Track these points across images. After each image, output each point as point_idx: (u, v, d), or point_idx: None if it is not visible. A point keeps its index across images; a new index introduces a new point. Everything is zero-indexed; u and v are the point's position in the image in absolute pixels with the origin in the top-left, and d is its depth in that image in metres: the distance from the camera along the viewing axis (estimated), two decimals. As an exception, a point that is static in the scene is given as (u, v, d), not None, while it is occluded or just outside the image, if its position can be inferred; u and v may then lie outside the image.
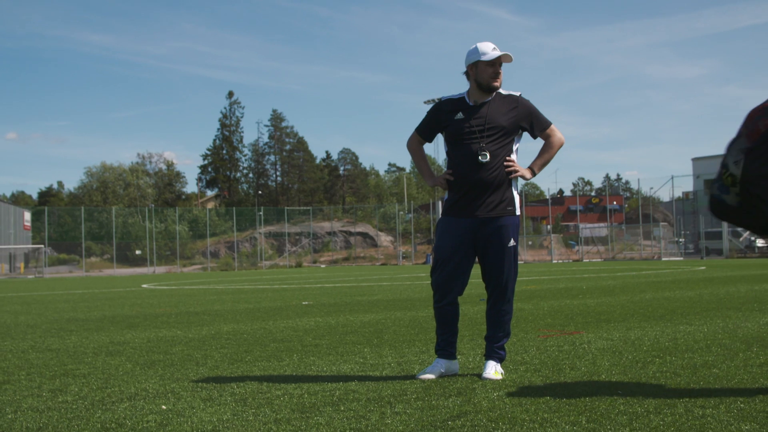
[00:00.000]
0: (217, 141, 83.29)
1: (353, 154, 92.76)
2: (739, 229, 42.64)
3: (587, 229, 54.42)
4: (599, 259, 45.60)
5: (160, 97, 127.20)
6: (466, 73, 4.46)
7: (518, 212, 4.46)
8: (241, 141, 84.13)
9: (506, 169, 4.37)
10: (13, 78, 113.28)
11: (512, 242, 4.39)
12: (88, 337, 7.21)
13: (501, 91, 4.44)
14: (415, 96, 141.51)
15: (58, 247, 53.87)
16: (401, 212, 61.43)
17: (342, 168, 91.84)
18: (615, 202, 70.32)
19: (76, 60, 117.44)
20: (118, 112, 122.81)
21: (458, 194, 4.40)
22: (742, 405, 3.36)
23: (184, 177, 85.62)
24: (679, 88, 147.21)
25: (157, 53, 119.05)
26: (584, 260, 45.42)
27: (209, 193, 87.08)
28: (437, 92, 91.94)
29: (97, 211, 59.13)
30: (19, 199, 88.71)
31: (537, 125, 4.47)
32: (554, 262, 44.93)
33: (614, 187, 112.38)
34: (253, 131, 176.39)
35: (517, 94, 4.48)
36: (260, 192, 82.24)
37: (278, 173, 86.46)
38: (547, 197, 64.69)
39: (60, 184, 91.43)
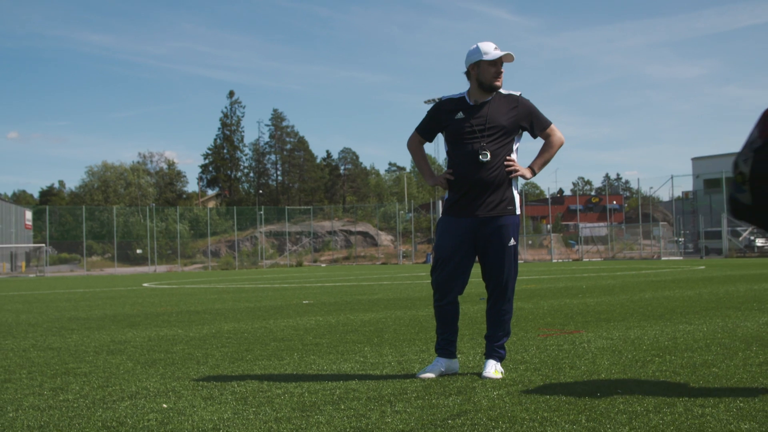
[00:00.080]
0: (218, 140, 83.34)
1: (354, 153, 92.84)
2: (739, 228, 42.69)
3: (587, 228, 54.41)
4: (599, 259, 45.60)
5: (161, 97, 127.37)
6: (467, 73, 4.46)
7: (518, 212, 4.47)
8: (242, 140, 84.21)
9: (506, 169, 4.37)
10: (14, 78, 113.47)
11: (512, 242, 4.40)
12: (89, 336, 7.23)
13: (501, 90, 4.45)
14: (416, 96, 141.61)
15: (60, 246, 53.91)
16: (401, 211, 61.43)
17: (342, 167, 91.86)
18: (615, 202, 70.27)
19: (77, 60, 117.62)
20: (119, 111, 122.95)
21: (458, 194, 4.41)
22: (741, 404, 3.36)
23: (185, 176, 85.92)
24: (679, 88, 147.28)
25: (157, 53, 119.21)
26: (584, 260, 45.42)
27: (210, 192, 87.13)
28: (437, 92, 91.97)
29: (98, 210, 59.17)
30: (20, 199, 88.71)
31: (537, 125, 4.48)
32: (554, 261, 44.93)
33: (614, 187, 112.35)
34: (253, 131, 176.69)
35: (517, 93, 4.49)
36: (261, 191, 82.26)
37: (279, 173, 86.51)
38: (547, 197, 64.68)
39: (61, 183, 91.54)
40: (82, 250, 50.01)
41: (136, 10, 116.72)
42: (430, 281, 4.53)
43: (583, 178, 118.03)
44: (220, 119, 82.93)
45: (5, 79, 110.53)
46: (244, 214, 60.76)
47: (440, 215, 4.55)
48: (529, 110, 4.46)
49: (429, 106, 7.51)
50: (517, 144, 4.49)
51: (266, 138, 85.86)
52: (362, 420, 3.27)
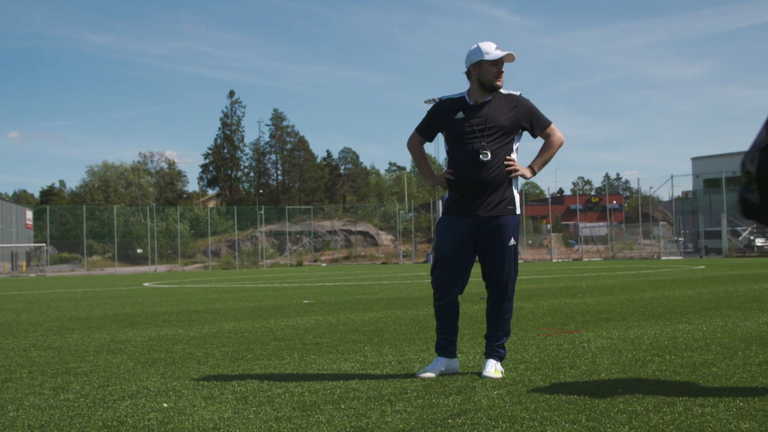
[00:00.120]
0: (219, 140, 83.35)
1: (354, 153, 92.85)
2: (739, 228, 42.70)
3: (587, 228, 54.42)
4: (599, 258, 45.60)
5: (161, 97, 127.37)
6: (468, 73, 4.47)
7: (518, 211, 4.47)
8: (242, 140, 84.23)
9: (506, 168, 4.38)
10: (15, 78, 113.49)
11: (512, 241, 4.40)
12: (89, 336, 7.23)
13: (501, 90, 4.45)
14: (416, 96, 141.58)
15: (60, 245, 53.92)
16: (402, 211, 61.44)
17: (343, 167, 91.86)
18: (615, 202, 70.25)
19: (77, 60, 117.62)
20: (120, 111, 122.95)
21: (459, 193, 4.42)
22: (741, 403, 3.37)
23: (186, 176, 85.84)
24: (679, 88, 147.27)
25: (157, 53, 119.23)
26: (584, 259, 45.42)
27: (210, 192, 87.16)
28: (437, 92, 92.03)
29: (98, 209, 59.19)
30: (21, 198, 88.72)
31: (537, 124, 4.49)
32: (554, 261, 44.93)
33: (614, 187, 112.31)
34: (254, 130, 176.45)
35: (517, 93, 4.49)
36: (261, 191, 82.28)
37: (279, 172, 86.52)
38: (547, 196, 64.66)
39: (62, 183, 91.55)
40: (83, 249, 50.03)
41: (137, 10, 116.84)
42: (430, 281, 4.54)
43: (583, 178, 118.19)
44: (221, 119, 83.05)
45: (6, 78, 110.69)
46: (245, 213, 60.78)
47: (440, 215, 4.56)
48: (529, 110, 4.46)
49: (429, 106, 7.51)
50: (517, 144, 4.49)
51: (266, 138, 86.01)
52: (362, 419, 3.28)
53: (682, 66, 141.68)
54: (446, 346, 4.44)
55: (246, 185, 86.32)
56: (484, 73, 4.38)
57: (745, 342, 5.39)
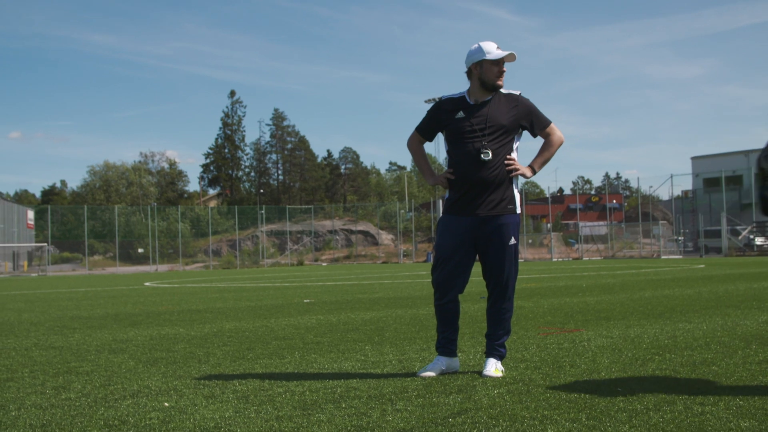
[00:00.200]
0: (219, 140, 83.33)
1: (354, 153, 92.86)
2: (738, 227, 42.70)
3: (587, 227, 54.42)
4: (599, 258, 45.60)
5: (162, 97, 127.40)
6: (468, 72, 4.47)
7: (519, 210, 4.48)
8: (243, 140, 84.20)
9: (507, 168, 4.38)
10: (16, 78, 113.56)
11: (513, 240, 4.41)
12: (91, 335, 7.24)
13: (501, 90, 4.46)
14: (416, 95, 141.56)
15: (62, 245, 53.94)
16: (402, 211, 61.45)
17: (343, 167, 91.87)
18: (615, 201, 70.16)
19: (79, 60, 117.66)
20: (121, 111, 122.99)
21: (459, 193, 4.42)
22: (741, 402, 3.38)
23: (186, 176, 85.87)
24: (679, 88, 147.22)
25: (159, 53, 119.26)
26: (584, 258, 45.41)
27: (211, 191, 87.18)
28: (438, 92, 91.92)
29: (100, 209, 59.21)
30: (22, 198, 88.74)
31: (537, 124, 4.49)
32: (554, 260, 44.92)
33: (614, 186, 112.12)
34: (254, 130, 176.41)
35: (517, 93, 4.50)
36: (262, 191, 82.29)
37: (280, 172, 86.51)
38: (547, 196, 64.61)
39: (63, 182, 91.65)
40: (84, 249, 50.04)
41: (138, 11, 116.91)
42: (430, 280, 4.54)
43: (583, 177, 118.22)
44: (222, 119, 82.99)
45: (7, 78, 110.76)
46: (245, 213, 60.77)
47: (441, 214, 4.56)
48: (529, 109, 4.47)
49: (429, 106, 7.51)
50: (517, 143, 4.50)
51: (267, 137, 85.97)
52: (363, 418, 3.29)
53: (681, 66, 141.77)
54: (447, 345, 4.45)
55: (247, 185, 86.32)
56: (485, 73, 4.39)
57: (744, 341, 5.39)
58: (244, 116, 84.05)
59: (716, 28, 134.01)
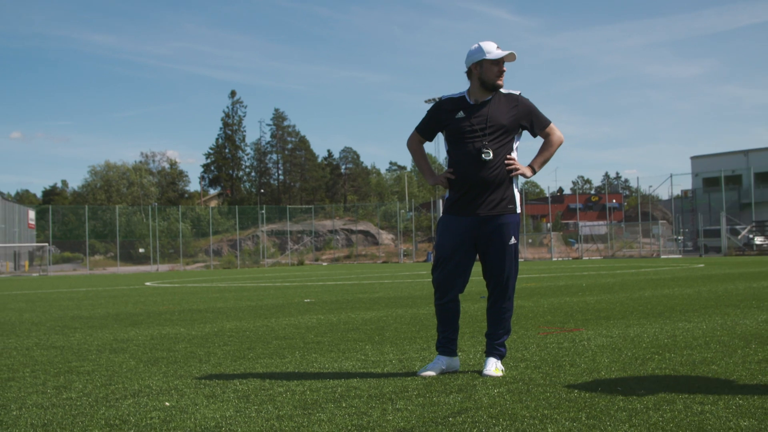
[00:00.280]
0: (220, 140, 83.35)
1: (354, 152, 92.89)
2: (738, 227, 42.69)
3: (587, 227, 54.42)
4: (599, 257, 45.59)
5: (163, 97, 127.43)
6: (468, 72, 4.48)
7: (519, 210, 4.48)
8: (244, 140, 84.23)
9: (507, 168, 4.39)
10: (17, 78, 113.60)
11: (513, 240, 4.42)
12: (92, 335, 7.25)
13: (501, 90, 4.47)
14: (416, 95, 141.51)
15: (63, 245, 53.97)
16: (402, 210, 61.45)
17: (343, 167, 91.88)
18: (614, 201, 70.17)
19: (79, 60, 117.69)
20: (121, 111, 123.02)
21: (459, 193, 4.43)
22: (740, 401, 3.38)
23: (187, 176, 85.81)
24: (679, 88, 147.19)
25: (159, 53, 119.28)
26: (584, 258, 45.42)
27: (212, 191, 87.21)
28: (438, 92, 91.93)
29: (100, 209, 59.22)
30: (23, 198, 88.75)
31: (537, 124, 4.50)
32: (554, 259, 44.92)
33: (613, 186, 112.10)
34: (255, 130, 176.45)
35: (517, 93, 4.51)
36: (262, 190, 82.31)
37: (280, 172, 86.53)
38: (547, 195, 64.59)
39: (64, 182, 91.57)
40: (85, 249, 50.06)
41: (138, 11, 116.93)
42: (431, 280, 4.55)
43: (582, 177, 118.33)
44: (222, 119, 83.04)
45: (8, 78, 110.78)
46: (246, 213, 60.78)
47: (441, 214, 4.57)
48: (528, 109, 4.48)
49: (429, 106, 7.53)
50: (517, 143, 4.51)
51: (268, 137, 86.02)
52: (363, 418, 3.29)
53: (681, 66, 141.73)
54: (447, 344, 4.46)
55: (247, 185, 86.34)
56: (485, 73, 4.39)
57: (744, 340, 5.40)
58: (244, 116, 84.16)
59: (716, 28, 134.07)
